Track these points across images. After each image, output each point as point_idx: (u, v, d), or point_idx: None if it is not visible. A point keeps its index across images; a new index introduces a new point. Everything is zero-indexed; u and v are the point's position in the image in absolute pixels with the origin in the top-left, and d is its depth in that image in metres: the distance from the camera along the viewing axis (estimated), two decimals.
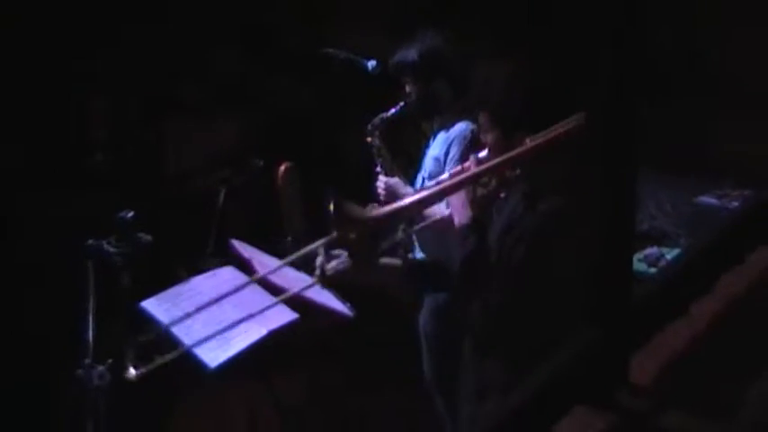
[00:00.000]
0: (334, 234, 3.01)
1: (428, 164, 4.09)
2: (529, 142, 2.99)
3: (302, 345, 4.32)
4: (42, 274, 3.85)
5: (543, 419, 3.05)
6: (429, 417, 4.03)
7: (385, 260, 3.54)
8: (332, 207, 3.03)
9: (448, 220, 3.21)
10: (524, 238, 3.04)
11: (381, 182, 4.10)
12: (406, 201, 3.16)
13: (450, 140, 4.01)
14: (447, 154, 4.00)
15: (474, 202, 3.07)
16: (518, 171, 3.07)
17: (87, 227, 3.62)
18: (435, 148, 4.07)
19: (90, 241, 3.54)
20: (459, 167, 3.25)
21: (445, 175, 3.38)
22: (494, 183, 3.07)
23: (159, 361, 3.01)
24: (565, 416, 3.06)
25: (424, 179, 4.11)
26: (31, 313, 3.88)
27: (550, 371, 3.11)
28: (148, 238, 3.60)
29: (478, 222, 3.07)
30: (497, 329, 3.13)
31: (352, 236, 3.02)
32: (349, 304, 3.87)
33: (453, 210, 3.14)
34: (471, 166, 3.11)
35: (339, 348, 4.63)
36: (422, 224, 3.45)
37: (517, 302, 3.06)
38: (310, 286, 3.53)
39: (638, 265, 4.48)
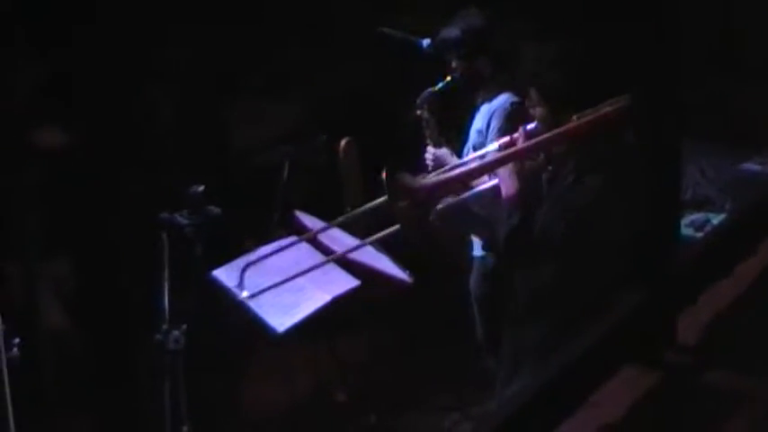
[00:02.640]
0: (385, 199, 3.01)
1: (472, 136, 4.07)
2: (576, 119, 2.95)
3: (363, 308, 4.30)
4: (124, 247, 3.89)
5: (592, 378, 3.04)
6: (481, 375, 4.02)
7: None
8: (384, 176, 3.02)
9: (495, 190, 3.17)
10: (567, 213, 2.99)
11: (429, 153, 4.09)
12: (455, 171, 3.14)
13: (491, 113, 3.98)
14: (489, 126, 3.97)
15: (521, 174, 3.03)
16: (564, 147, 3.03)
17: (163, 201, 3.64)
18: (478, 121, 4.05)
19: (164, 214, 3.55)
20: (507, 138, 3.22)
21: (494, 146, 3.35)
22: (541, 157, 3.04)
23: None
24: (614, 375, 3.06)
25: (469, 150, 4.07)
26: (113, 282, 3.93)
27: (600, 332, 3.10)
28: (218, 210, 3.60)
29: (524, 196, 3.03)
30: (538, 301, 3.10)
31: (403, 203, 3.02)
32: (408, 271, 3.88)
33: (501, 181, 3.10)
34: (520, 139, 3.07)
35: (397, 310, 4.61)
36: (470, 192, 3.41)
37: (558, 276, 3.03)
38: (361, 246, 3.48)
39: (686, 230, 4.43)
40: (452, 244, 4.10)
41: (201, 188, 3.58)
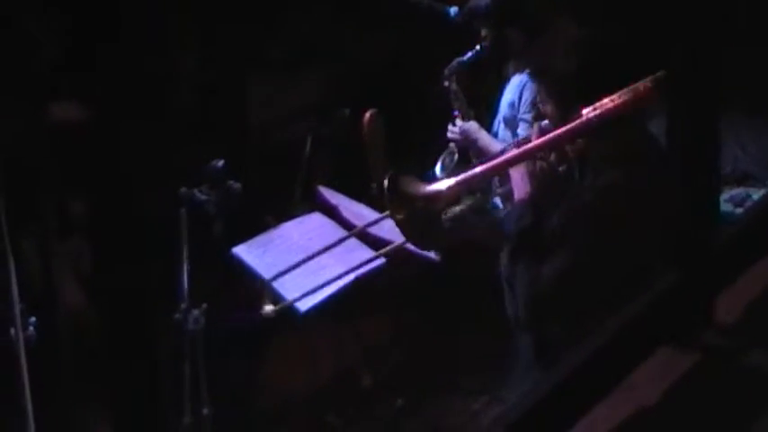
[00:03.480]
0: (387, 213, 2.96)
1: (503, 108, 4.07)
2: (584, 113, 2.89)
3: (388, 288, 4.32)
4: (142, 224, 3.91)
5: (627, 360, 3.06)
6: (512, 357, 4.03)
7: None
8: (386, 183, 2.98)
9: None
10: (584, 212, 2.97)
11: (456, 126, 4.10)
12: (460, 176, 3.05)
13: (523, 84, 3.99)
14: (521, 98, 3.98)
15: (533, 176, 3.01)
16: (578, 144, 2.99)
17: (180, 176, 3.64)
18: (510, 93, 4.05)
19: (183, 190, 3.56)
20: (524, 138, 3.20)
21: (502, 147, 3.30)
22: (553, 156, 2.98)
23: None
24: (649, 357, 3.08)
25: (499, 123, 4.09)
26: (131, 260, 3.95)
27: (635, 312, 3.12)
28: (238, 186, 3.60)
29: (536, 200, 3.01)
30: (551, 301, 3.07)
31: (400, 216, 2.98)
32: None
33: (513, 184, 3.07)
34: (534, 137, 3.03)
35: (424, 290, 4.62)
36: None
37: (575, 275, 3.00)
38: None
39: (725, 206, 4.42)
40: (482, 229, 4.11)
41: (222, 163, 3.59)
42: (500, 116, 4.08)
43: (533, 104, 3.78)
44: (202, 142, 4.40)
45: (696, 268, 3.26)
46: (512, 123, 4.02)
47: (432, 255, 3.86)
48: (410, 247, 3.76)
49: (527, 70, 3.94)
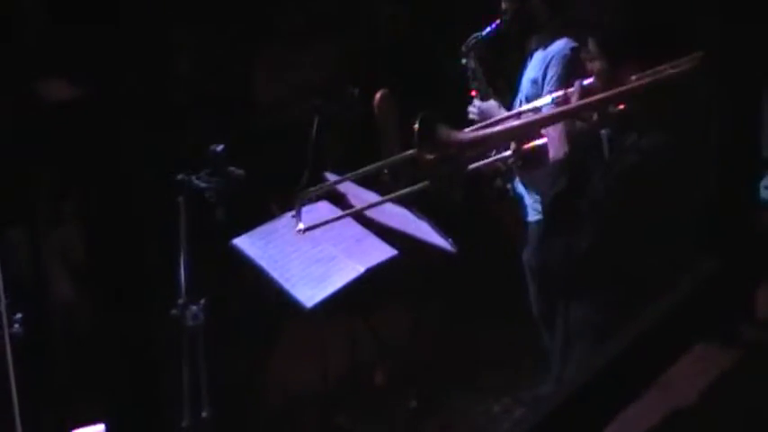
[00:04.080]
0: (413, 152, 2.95)
1: (525, 86, 4.00)
2: (637, 77, 2.86)
3: (403, 281, 4.29)
4: (137, 213, 3.89)
5: (662, 357, 2.98)
6: (536, 355, 3.98)
7: None
8: (417, 126, 2.95)
9: (542, 151, 3.11)
10: (625, 176, 2.92)
11: (475, 106, 4.02)
12: (495, 128, 3.06)
13: (548, 60, 3.89)
14: (545, 75, 3.89)
15: (572, 136, 2.96)
16: (622, 106, 2.95)
17: (179, 161, 3.62)
18: (532, 70, 3.97)
19: (180, 176, 3.52)
20: (562, 93, 3.15)
21: (547, 100, 3.27)
22: (595, 117, 2.95)
23: None
24: (684, 354, 2.99)
25: (521, 102, 4.00)
26: (125, 251, 3.94)
27: (669, 305, 3.04)
28: (240, 172, 3.57)
29: (573, 160, 2.97)
30: (587, 272, 3.04)
31: (430, 156, 2.95)
32: (451, 239, 3.82)
33: (549, 142, 3.04)
34: (575, 96, 2.99)
35: (441, 283, 4.60)
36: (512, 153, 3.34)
37: (613, 244, 2.96)
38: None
39: (764, 192, 4.34)
40: (503, 209, 4.05)
41: (222, 147, 3.55)
42: (521, 95, 3.99)
43: (560, 81, 3.71)
44: (202, 124, 4.37)
45: (735, 257, 3.18)
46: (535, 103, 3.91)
47: (448, 245, 3.79)
48: (425, 237, 3.71)
49: (557, 42, 3.85)
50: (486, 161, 3.35)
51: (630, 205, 2.93)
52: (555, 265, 3.26)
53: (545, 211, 3.09)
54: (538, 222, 3.91)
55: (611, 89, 2.93)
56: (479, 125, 3.68)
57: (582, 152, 3.01)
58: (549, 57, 3.88)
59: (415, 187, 3.15)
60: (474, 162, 3.11)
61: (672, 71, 2.87)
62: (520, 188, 4.01)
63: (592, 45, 3.06)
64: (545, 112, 3.14)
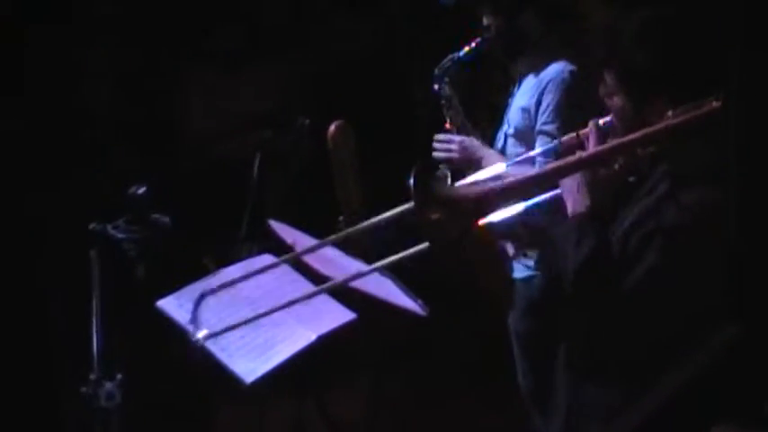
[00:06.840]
0: (411, 207, 2.94)
1: (513, 117, 4.01)
2: (671, 115, 2.86)
3: (362, 351, 4.34)
4: (39, 268, 3.90)
5: None
6: None
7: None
8: (412, 180, 2.94)
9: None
10: (661, 235, 2.91)
11: (453, 141, 4.03)
12: (508, 181, 3.05)
13: (542, 87, 3.91)
14: (539, 104, 3.90)
15: (593, 186, 2.97)
16: (652, 149, 2.95)
17: (90, 208, 3.63)
18: (523, 97, 3.98)
19: (93, 225, 3.52)
20: (573, 135, 3.16)
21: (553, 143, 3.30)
22: (620, 161, 2.96)
23: None
24: None
25: (506, 136, 4.03)
26: (27, 315, 3.95)
27: (683, 380, 3.05)
28: (166, 219, 3.59)
29: (597, 214, 2.96)
30: (605, 345, 3.03)
31: (436, 216, 2.94)
32: (421, 300, 3.82)
33: (566, 193, 3.03)
34: (591, 137, 3.00)
35: (407, 353, 4.65)
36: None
37: (640, 312, 2.96)
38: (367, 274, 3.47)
39: None
40: (488, 263, 4.06)
41: (144, 189, 3.56)
42: (508, 127, 4.02)
43: (558, 112, 3.75)
44: (120, 162, 4.39)
45: (760, 324, 3.19)
46: (525, 136, 3.94)
47: (417, 307, 3.78)
48: (389, 298, 3.70)
49: (552, 65, 3.88)
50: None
51: (666, 275, 2.91)
52: (552, 334, 3.25)
53: (573, 279, 3.07)
54: (526, 280, 3.93)
55: (633, 130, 2.93)
56: (476, 175, 3.69)
57: (607, 205, 3.01)
58: (545, 82, 3.90)
59: (412, 251, 3.15)
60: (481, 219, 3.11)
61: (716, 104, 2.87)
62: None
63: (608, 78, 3.07)
64: (561, 161, 3.14)
